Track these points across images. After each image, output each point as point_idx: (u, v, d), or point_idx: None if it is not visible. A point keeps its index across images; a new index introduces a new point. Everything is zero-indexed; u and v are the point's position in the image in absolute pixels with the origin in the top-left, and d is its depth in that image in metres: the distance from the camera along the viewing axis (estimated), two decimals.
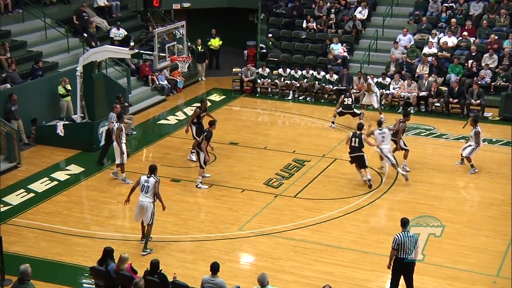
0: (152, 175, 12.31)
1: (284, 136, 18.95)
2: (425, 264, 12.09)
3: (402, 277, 10.58)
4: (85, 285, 11.52)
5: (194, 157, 16.48)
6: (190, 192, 15.17)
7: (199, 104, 17.19)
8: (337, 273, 11.80)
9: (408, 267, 10.46)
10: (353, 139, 15.09)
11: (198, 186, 15.30)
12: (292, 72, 22.80)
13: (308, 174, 16.20)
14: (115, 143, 15.44)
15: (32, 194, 15.05)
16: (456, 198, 15.00)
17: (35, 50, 20.46)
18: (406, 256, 10.30)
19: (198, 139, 15.67)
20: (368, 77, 20.13)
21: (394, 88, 21.44)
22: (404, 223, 10.54)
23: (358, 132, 15.23)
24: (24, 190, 15.21)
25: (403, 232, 10.41)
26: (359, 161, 15.24)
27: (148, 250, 12.34)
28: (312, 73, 22.55)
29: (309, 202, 14.74)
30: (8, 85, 18.01)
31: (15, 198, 14.79)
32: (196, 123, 16.70)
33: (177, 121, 20.29)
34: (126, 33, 22.77)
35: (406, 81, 21.31)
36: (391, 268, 10.56)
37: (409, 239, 10.32)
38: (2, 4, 20.76)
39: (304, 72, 22.65)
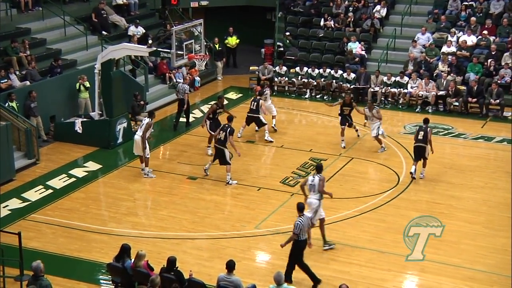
0: (318, 174, 12.50)
1: (301, 135, 18.90)
2: (443, 264, 12.02)
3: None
4: (102, 281, 11.58)
5: (210, 151, 16.63)
6: (207, 190, 15.19)
7: (216, 101, 17.39)
8: (353, 272, 11.75)
9: (305, 245, 11.21)
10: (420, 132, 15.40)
11: (229, 182, 15.34)
12: (309, 70, 22.74)
13: (325, 173, 16.05)
14: (137, 137, 15.59)
15: (50, 191, 15.16)
16: (474, 198, 14.85)
17: (54, 48, 20.62)
18: (304, 237, 11.10)
19: (213, 133, 16.03)
20: (374, 106, 17.65)
21: (412, 87, 21.29)
22: (301, 207, 11.18)
23: (424, 126, 15.53)
24: (42, 187, 15.33)
25: (302, 217, 11.01)
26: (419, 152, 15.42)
27: (327, 246, 12.46)
28: (330, 72, 22.48)
29: (325, 201, 14.61)
30: (28, 82, 18.16)
31: (33, 194, 14.92)
32: (211, 119, 16.98)
33: (194, 119, 20.31)
34: (144, 31, 22.86)
35: (423, 80, 21.16)
36: (286, 247, 11.21)
37: (307, 221, 11.15)
38: (22, 2, 20.93)
39: (321, 70, 22.59)
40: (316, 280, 11.14)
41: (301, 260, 11.18)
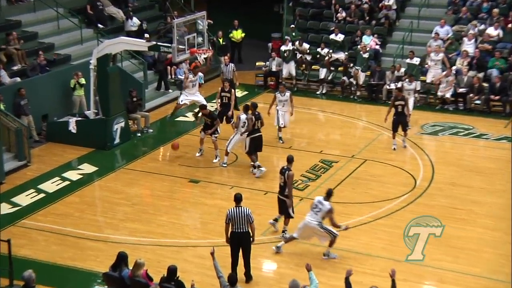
0: None
1: (310, 135, 18.92)
2: (462, 274, 12.02)
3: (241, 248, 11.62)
4: None
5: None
6: (210, 194, 15.23)
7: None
8: (366, 282, 11.70)
9: (241, 239, 11.56)
10: None
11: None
12: (319, 49, 22.69)
13: (336, 176, 16.15)
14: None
15: (42, 195, 15.21)
16: (496, 203, 14.83)
17: (47, 42, 20.69)
18: (239, 230, 11.46)
19: None
20: None
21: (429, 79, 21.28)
22: (238, 199, 11.60)
23: None
24: (34, 190, 15.38)
25: (234, 208, 11.45)
26: None
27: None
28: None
29: (337, 206, 14.58)
30: (18, 79, 18.23)
31: (24, 199, 14.96)
32: None
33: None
34: (139, 22, 22.74)
35: (444, 72, 21.04)
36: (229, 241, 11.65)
37: (240, 213, 11.43)
38: None
39: (330, 50, 22.52)
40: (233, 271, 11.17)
41: (234, 251, 11.60)
